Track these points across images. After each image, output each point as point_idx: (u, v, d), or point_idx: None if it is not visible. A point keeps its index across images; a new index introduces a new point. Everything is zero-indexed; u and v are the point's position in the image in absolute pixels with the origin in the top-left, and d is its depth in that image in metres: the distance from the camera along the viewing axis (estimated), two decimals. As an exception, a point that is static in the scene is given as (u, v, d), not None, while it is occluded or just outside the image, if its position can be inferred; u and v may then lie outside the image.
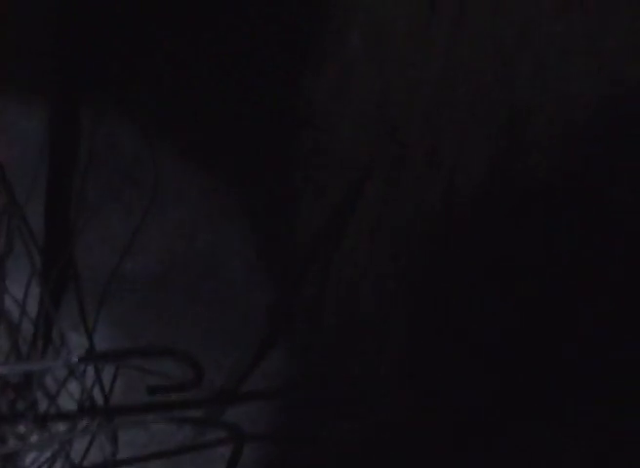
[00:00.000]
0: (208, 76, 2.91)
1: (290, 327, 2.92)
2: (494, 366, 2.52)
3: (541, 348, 2.44)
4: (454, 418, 2.59)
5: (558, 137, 2.36)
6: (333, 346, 2.83)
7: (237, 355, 2.92)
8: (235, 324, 2.98)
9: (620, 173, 2.34)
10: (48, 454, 2.93)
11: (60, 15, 3.10)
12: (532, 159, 2.42)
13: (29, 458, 2.92)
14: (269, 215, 2.97)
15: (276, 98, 2.92)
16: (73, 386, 3.04)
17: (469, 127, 2.51)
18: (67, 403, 3.01)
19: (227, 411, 2.88)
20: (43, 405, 2.98)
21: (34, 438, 2.89)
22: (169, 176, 3.04)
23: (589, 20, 2.26)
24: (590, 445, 2.46)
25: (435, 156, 2.61)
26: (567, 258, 2.39)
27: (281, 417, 2.88)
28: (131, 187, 3.09)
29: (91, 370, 3.03)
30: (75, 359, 2.97)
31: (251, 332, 2.95)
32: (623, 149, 2.31)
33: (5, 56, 3.20)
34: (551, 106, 2.35)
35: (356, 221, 2.82)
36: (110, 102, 3.04)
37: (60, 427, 2.95)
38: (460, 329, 2.57)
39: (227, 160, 2.97)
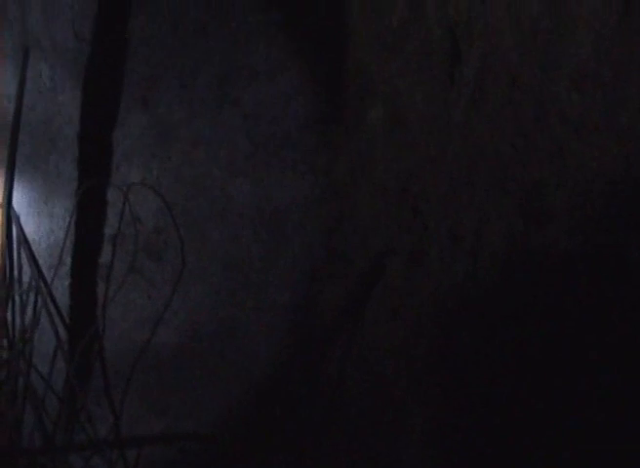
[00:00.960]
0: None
1: (311, 401, 2.89)
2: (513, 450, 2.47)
3: (559, 427, 2.39)
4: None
5: (576, 214, 2.34)
6: (354, 422, 2.80)
7: (257, 429, 2.90)
8: (256, 398, 2.97)
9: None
10: None
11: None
12: (550, 235, 2.40)
13: None
14: (292, 287, 2.97)
15: (300, 171, 2.95)
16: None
17: (489, 203, 2.50)
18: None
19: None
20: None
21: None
22: (191, 251, 3.07)
23: (605, 95, 2.25)
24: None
25: (457, 232, 2.60)
26: (586, 332, 2.35)
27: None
28: (153, 261, 3.12)
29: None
30: (103, 447, 2.96)
31: (271, 406, 2.93)
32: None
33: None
34: (569, 182, 2.34)
35: (379, 297, 2.81)
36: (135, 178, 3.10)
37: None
38: (481, 407, 2.52)
39: (248, 232, 2.99)
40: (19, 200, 3.70)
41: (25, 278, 3.40)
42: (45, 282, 3.22)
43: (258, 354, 3.02)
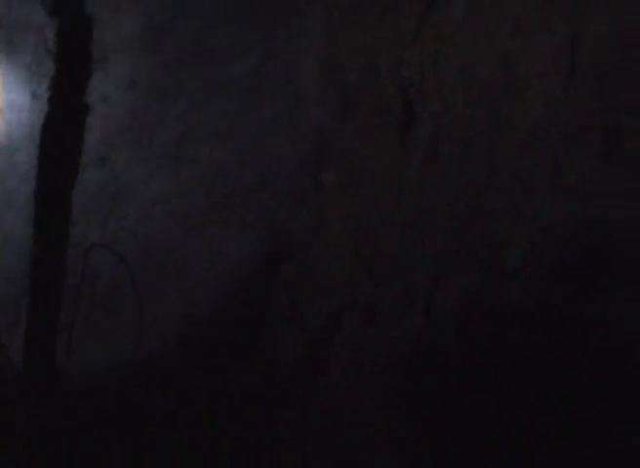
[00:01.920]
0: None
1: (272, 454, 2.87)
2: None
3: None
4: None
5: (530, 271, 2.37)
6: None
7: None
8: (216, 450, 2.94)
9: (593, 301, 2.35)
10: None
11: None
12: (504, 292, 2.43)
13: None
14: (248, 343, 2.96)
15: (258, 229, 2.96)
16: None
17: (443, 261, 2.53)
18: None
19: None
20: None
21: None
22: (148, 307, 3.05)
23: (555, 155, 2.31)
24: None
25: (410, 290, 2.62)
26: (542, 384, 2.37)
27: None
28: (110, 317, 3.10)
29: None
30: None
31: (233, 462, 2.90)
32: (593, 278, 2.32)
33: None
34: (522, 240, 2.38)
35: (334, 354, 2.81)
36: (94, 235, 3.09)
37: None
38: (439, 456, 2.53)
39: (204, 290, 2.99)
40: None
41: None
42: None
43: (217, 409, 3.00)
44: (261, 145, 3.00)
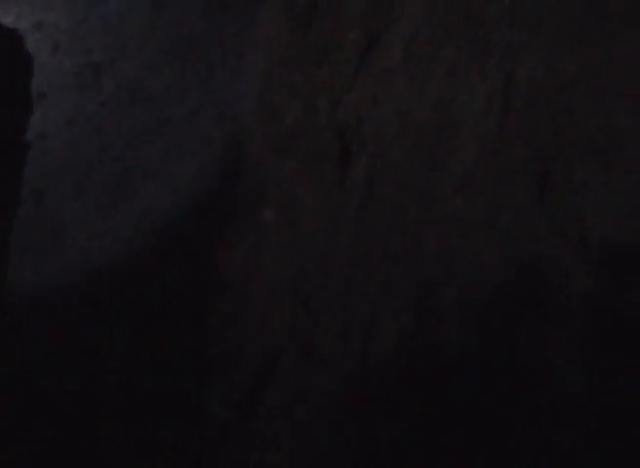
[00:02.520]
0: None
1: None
2: None
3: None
4: None
5: (465, 311, 2.41)
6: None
7: None
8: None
9: (527, 341, 2.39)
10: None
11: None
12: (441, 331, 2.46)
13: None
14: (184, 383, 2.94)
15: (194, 265, 2.96)
16: None
17: (380, 301, 2.56)
18: None
19: None
20: None
21: None
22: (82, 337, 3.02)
23: (488, 197, 2.36)
24: None
25: (348, 329, 2.64)
26: (478, 421, 2.40)
27: None
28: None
29: None
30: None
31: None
32: (527, 318, 2.37)
33: None
34: (457, 280, 2.41)
35: (271, 393, 2.81)
36: None
37: None
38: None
39: (144, 327, 2.97)
40: None
41: None
42: None
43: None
44: (200, 184, 3.01)
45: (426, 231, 2.46)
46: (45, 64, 3.37)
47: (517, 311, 2.36)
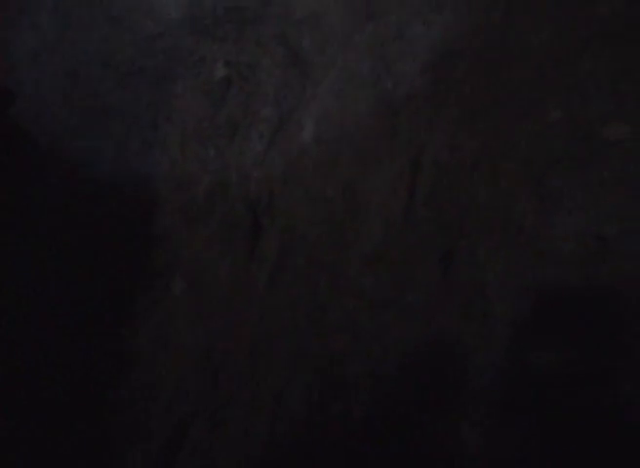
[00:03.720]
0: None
1: None
2: None
3: None
4: None
5: (371, 384, 2.45)
6: None
7: None
8: None
9: (430, 413, 2.44)
10: None
11: None
12: (347, 403, 2.49)
13: None
14: (90, 461, 2.90)
15: (103, 336, 2.94)
16: None
17: (288, 371, 2.58)
18: None
19: None
20: None
21: None
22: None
23: (394, 274, 2.42)
24: None
25: (257, 399, 2.65)
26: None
27: None
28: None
29: None
30: None
31: None
32: (431, 394, 2.42)
33: None
34: (363, 354, 2.45)
35: (183, 459, 2.79)
36: None
37: None
38: None
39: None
40: None
41: None
42: None
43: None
44: (109, 253, 3.00)
45: (334, 306, 2.50)
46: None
47: (421, 385, 2.41)
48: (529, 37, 2.35)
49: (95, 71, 3.14)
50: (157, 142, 2.94)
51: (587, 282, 2.21)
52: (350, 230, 2.49)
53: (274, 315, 2.61)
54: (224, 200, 2.75)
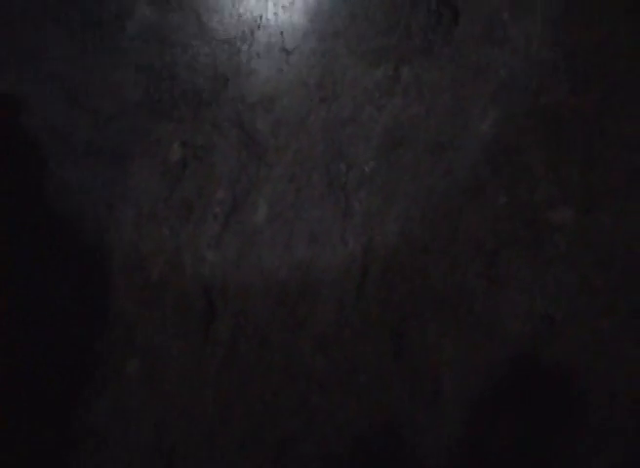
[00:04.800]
0: None
1: None
2: None
3: None
4: None
5: (324, 464, 2.45)
6: None
7: None
8: None
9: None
10: None
11: None
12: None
13: None
14: None
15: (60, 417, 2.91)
16: None
17: (242, 454, 2.58)
18: None
19: None
20: None
21: None
22: None
23: (347, 355, 2.45)
24: None
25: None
26: None
27: None
28: None
29: None
30: None
31: None
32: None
33: None
34: (317, 435, 2.46)
35: None
36: None
37: None
38: None
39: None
40: None
41: None
42: None
43: None
44: (66, 327, 2.99)
45: (287, 388, 2.51)
46: None
47: (373, 466, 2.42)
48: (475, 124, 2.42)
49: (53, 149, 3.17)
50: (112, 221, 2.96)
51: (536, 362, 2.25)
52: (303, 311, 2.51)
53: (228, 398, 2.61)
54: (179, 281, 2.77)
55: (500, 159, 2.35)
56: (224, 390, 2.61)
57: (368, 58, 2.74)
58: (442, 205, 2.41)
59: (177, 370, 2.72)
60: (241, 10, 3.10)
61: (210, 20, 3.14)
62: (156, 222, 2.85)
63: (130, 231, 2.90)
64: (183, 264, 2.76)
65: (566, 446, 2.16)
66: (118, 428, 2.80)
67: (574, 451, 2.14)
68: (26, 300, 2.98)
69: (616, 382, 2.11)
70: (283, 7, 3.05)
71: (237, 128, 2.90)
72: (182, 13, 3.17)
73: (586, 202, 2.21)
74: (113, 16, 3.16)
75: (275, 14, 3.04)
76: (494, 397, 2.32)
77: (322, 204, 2.58)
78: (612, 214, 2.18)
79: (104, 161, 3.08)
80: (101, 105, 3.16)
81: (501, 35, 2.51)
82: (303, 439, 2.48)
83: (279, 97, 2.90)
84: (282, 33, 3.03)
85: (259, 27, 3.07)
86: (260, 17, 3.10)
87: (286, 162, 2.74)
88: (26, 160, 3.12)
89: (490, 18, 2.55)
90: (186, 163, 2.91)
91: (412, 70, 2.66)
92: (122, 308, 2.90)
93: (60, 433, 2.89)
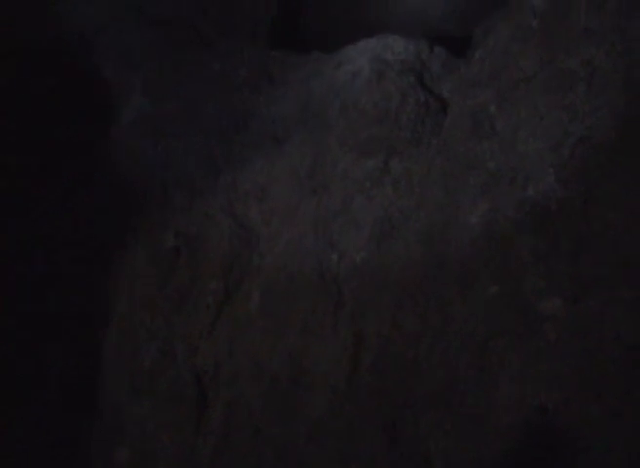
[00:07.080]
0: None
1: None
2: None
3: None
4: None
5: None
6: None
7: None
8: None
9: None
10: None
11: None
12: None
13: None
14: None
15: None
16: None
17: None
18: None
19: None
20: None
21: None
22: None
23: (338, 444, 2.44)
24: None
25: None
26: None
27: None
28: None
29: None
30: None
31: None
32: None
33: None
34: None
35: None
36: None
37: None
38: None
39: None
40: None
41: None
42: None
43: None
44: (52, 417, 2.98)
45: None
46: None
47: None
48: (465, 215, 2.46)
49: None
50: (103, 317, 2.99)
51: (528, 453, 2.25)
52: (295, 400, 2.51)
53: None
54: (171, 370, 2.77)
55: (490, 249, 2.38)
56: (218, 482, 2.60)
57: (358, 149, 2.80)
58: (433, 294, 2.43)
59: (167, 459, 2.70)
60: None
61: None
62: (148, 310, 2.87)
63: (122, 319, 2.92)
64: (176, 353, 2.77)
65: None
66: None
67: None
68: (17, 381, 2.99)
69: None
70: (275, 98, 3.13)
71: (230, 217, 2.94)
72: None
73: (575, 291, 2.24)
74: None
75: (267, 105, 3.11)
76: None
77: (314, 294, 2.60)
78: (600, 303, 2.20)
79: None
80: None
81: (488, 127, 2.57)
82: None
83: (271, 187, 2.94)
84: (274, 122, 3.10)
85: (252, 117, 3.14)
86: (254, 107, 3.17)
87: (277, 251, 2.77)
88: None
89: (477, 111, 2.61)
90: (180, 252, 2.94)
91: (401, 162, 2.72)
92: (114, 396, 2.89)
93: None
